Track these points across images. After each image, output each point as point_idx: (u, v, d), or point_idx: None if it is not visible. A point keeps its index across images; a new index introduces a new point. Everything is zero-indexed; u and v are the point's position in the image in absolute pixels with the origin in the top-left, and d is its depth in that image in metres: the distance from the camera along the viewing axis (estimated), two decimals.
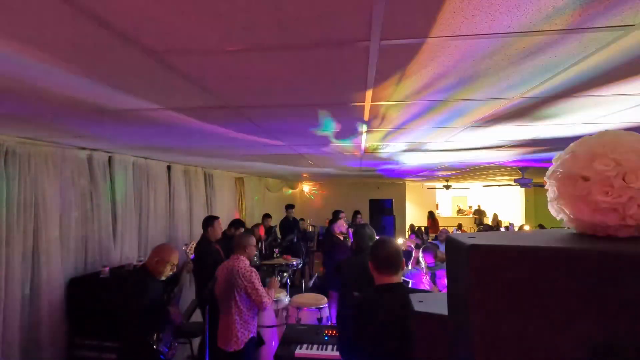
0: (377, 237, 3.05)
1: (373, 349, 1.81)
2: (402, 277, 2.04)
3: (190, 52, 1.24)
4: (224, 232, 4.43)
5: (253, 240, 3.27)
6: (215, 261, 3.63)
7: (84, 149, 3.54)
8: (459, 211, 14.86)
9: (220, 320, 3.04)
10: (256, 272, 3.05)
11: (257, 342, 3.10)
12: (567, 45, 1.20)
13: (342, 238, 4.94)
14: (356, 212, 7.59)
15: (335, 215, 5.65)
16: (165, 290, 2.87)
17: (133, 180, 4.24)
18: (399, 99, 1.87)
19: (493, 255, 0.70)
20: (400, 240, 5.44)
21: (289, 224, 7.77)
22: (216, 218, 4.37)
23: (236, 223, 5.15)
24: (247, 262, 3.10)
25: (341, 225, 4.95)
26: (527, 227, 9.62)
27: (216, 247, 4.15)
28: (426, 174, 7.63)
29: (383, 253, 1.94)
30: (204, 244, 4.13)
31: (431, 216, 8.08)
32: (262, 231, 6.19)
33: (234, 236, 3.83)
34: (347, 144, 3.51)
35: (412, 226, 9.68)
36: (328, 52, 1.25)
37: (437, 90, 1.71)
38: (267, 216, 7.20)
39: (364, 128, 2.67)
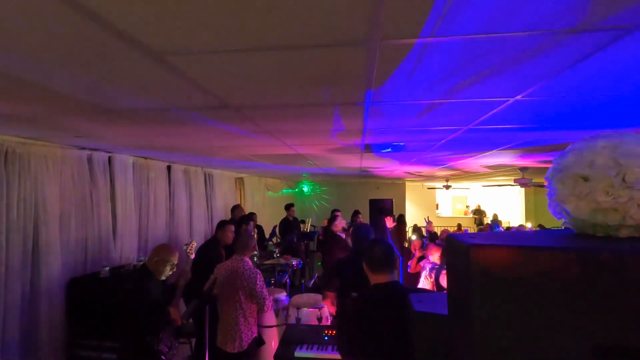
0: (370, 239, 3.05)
1: (372, 348, 1.81)
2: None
3: (190, 52, 1.24)
4: (235, 230, 4.43)
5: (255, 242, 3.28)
6: (216, 264, 3.62)
7: (84, 149, 3.53)
8: (466, 212, 14.80)
9: (220, 320, 3.04)
10: (260, 273, 3.05)
11: (258, 342, 3.10)
12: (566, 45, 1.20)
13: (344, 236, 4.95)
14: (356, 212, 7.60)
15: (334, 214, 5.68)
16: (165, 291, 2.87)
17: (133, 180, 4.24)
18: (400, 98, 1.87)
19: (493, 255, 0.70)
20: (414, 237, 5.46)
21: (289, 224, 7.76)
22: (230, 224, 4.36)
23: (246, 219, 5.11)
24: (251, 263, 3.10)
25: (341, 222, 4.95)
26: (529, 225, 9.51)
27: (222, 251, 4.14)
28: (426, 173, 7.63)
29: (376, 254, 1.97)
30: (211, 245, 4.17)
31: (400, 220, 6.83)
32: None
33: (238, 236, 3.81)
34: (347, 144, 3.51)
35: (415, 226, 9.66)
36: (328, 52, 1.25)
37: (438, 90, 1.71)
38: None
39: (365, 128, 2.67)
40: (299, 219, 8.40)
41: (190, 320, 3.58)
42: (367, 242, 3.28)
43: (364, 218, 8.89)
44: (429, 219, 8.54)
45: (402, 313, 1.75)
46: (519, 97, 1.82)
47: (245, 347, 2.93)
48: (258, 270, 3.06)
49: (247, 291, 2.93)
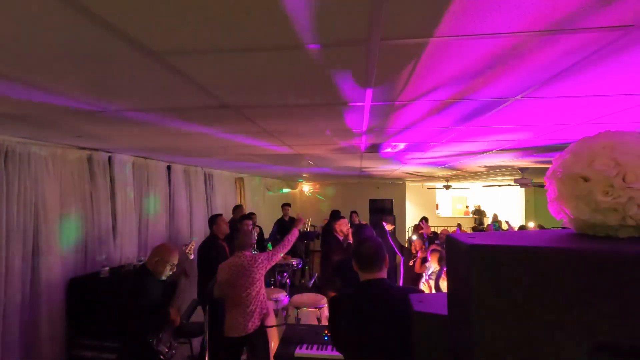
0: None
1: (358, 341, 1.85)
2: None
3: (190, 52, 1.24)
4: (234, 227, 4.51)
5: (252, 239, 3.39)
6: (220, 258, 3.66)
7: (84, 149, 3.53)
8: (466, 212, 14.78)
9: (228, 313, 3.07)
10: (259, 254, 3.23)
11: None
12: (566, 45, 1.20)
13: (341, 237, 4.91)
14: (352, 212, 7.61)
15: (337, 215, 5.65)
16: (165, 291, 2.87)
17: (133, 180, 4.24)
18: (399, 99, 1.87)
19: (493, 255, 0.70)
20: (414, 237, 5.45)
21: (285, 224, 7.68)
22: (219, 215, 4.46)
23: (245, 217, 5.19)
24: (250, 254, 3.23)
25: (343, 224, 4.86)
26: (531, 225, 9.43)
27: (222, 243, 4.19)
28: (426, 173, 7.62)
29: (363, 253, 2.00)
30: (210, 241, 4.24)
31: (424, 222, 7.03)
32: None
33: (237, 235, 3.84)
34: (347, 144, 3.51)
35: (415, 226, 9.66)
36: (328, 52, 1.25)
37: (438, 90, 1.71)
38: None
39: (365, 128, 2.67)
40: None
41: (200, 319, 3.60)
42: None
43: (364, 218, 8.90)
44: (424, 223, 8.55)
45: (385, 308, 1.81)
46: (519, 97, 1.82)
47: (259, 324, 3.10)
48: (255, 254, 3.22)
49: (260, 274, 3.10)
